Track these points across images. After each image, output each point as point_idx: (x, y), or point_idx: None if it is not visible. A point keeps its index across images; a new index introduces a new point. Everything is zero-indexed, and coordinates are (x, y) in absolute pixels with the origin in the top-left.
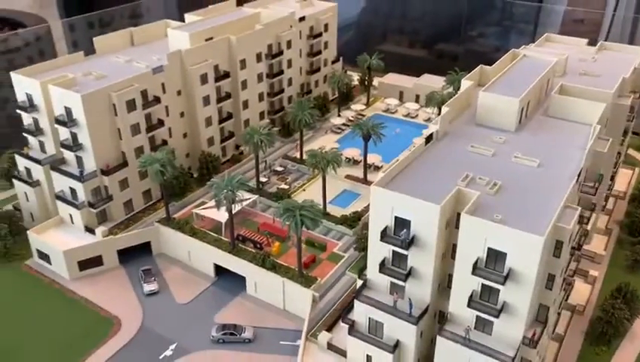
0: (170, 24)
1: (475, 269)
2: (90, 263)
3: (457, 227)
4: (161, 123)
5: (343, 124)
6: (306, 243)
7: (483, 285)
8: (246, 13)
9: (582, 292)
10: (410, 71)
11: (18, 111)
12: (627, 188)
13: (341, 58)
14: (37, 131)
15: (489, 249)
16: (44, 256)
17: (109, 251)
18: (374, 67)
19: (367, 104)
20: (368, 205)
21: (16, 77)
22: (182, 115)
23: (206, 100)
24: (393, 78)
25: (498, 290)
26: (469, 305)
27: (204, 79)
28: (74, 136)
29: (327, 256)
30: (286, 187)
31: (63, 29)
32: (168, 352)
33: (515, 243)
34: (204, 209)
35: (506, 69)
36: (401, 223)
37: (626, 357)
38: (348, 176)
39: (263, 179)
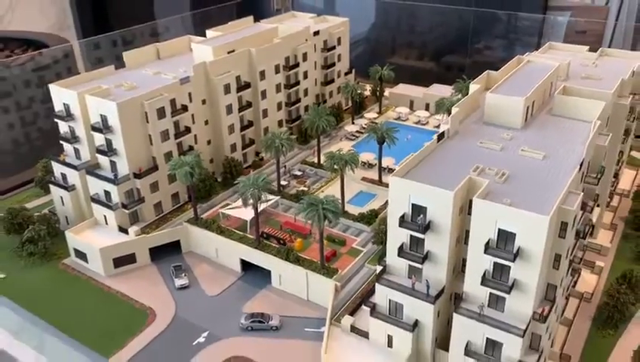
0: (193, 39)
1: (487, 249)
2: (124, 261)
3: (469, 213)
4: (187, 130)
5: (357, 131)
6: (327, 238)
7: (495, 264)
8: (264, 27)
9: (589, 282)
10: (419, 82)
11: (56, 120)
12: (631, 186)
13: (353, 70)
14: (73, 139)
15: (499, 230)
16: (80, 255)
17: (141, 249)
18: (385, 78)
19: (380, 113)
20: (384, 204)
21: (54, 88)
22: (206, 122)
23: (229, 109)
24: (403, 89)
25: (509, 268)
26: (482, 283)
27: (227, 89)
28: (109, 142)
29: (346, 250)
30: (305, 189)
31: (84, 47)
32: (201, 339)
33: (523, 223)
34: (230, 209)
35: (511, 73)
36: (418, 210)
37: (631, 340)
38: (364, 179)
39: (283, 183)
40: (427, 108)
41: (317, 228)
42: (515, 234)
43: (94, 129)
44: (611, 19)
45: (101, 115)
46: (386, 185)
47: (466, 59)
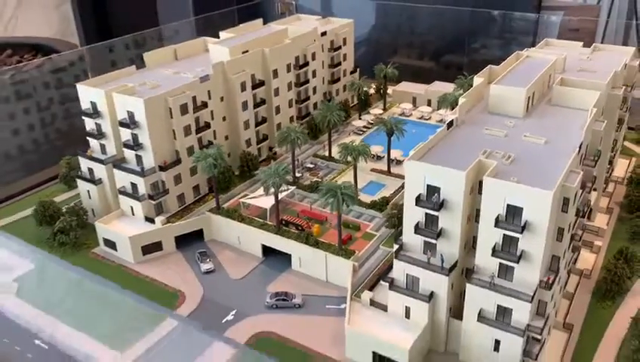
0: (208, 40)
1: (498, 223)
2: (151, 248)
3: (480, 193)
4: (207, 125)
5: (364, 126)
6: (342, 224)
7: (504, 236)
8: (274, 29)
9: (588, 260)
10: (421, 80)
11: (83, 117)
12: (625, 174)
13: (358, 69)
14: (99, 135)
15: (508, 205)
16: (110, 244)
17: (167, 237)
18: (390, 76)
19: (385, 109)
20: (394, 192)
21: (81, 88)
22: (224, 118)
23: (244, 105)
24: (406, 86)
25: (517, 240)
26: (493, 255)
27: (243, 87)
28: (135, 136)
29: (361, 235)
30: (318, 180)
31: (95, 52)
32: (230, 317)
33: (529, 198)
34: (249, 198)
35: (512, 67)
36: (433, 190)
37: (629, 309)
38: (373, 170)
39: (297, 175)
40: (429, 104)
41: (335, 212)
42: (522, 209)
43: (122, 124)
44: (603, 17)
45: (128, 112)
46: (395, 176)
47: (463, 58)
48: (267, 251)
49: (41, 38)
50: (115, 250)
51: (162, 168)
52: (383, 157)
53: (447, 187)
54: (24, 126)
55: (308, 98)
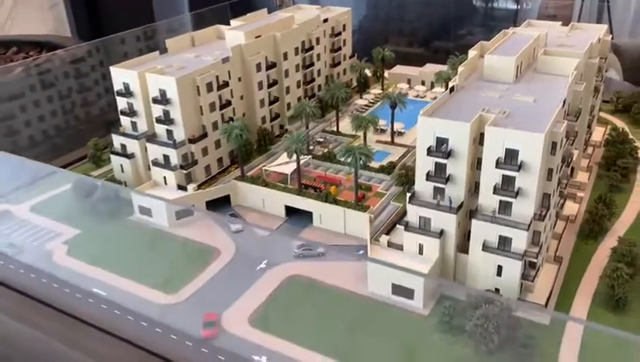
0: (220, 29)
1: (498, 164)
2: (184, 213)
3: (481, 143)
4: (228, 103)
5: (366, 105)
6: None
7: (503, 176)
8: (282, 16)
9: (573, 208)
10: (412, 64)
11: (117, 97)
12: (602, 138)
13: (356, 54)
14: (131, 113)
15: (506, 149)
16: (145, 211)
17: (199, 202)
18: (387, 58)
19: (383, 89)
20: (399, 158)
21: (115, 70)
22: (241, 97)
23: (260, 85)
24: (401, 69)
25: (514, 178)
26: (494, 193)
27: (258, 68)
28: (166, 113)
29: (373, 194)
30: (329, 150)
31: (103, 44)
32: (262, 266)
33: (524, 141)
34: (271, 166)
35: (501, 41)
36: (441, 141)
37: (609, 244)
38: (378, 141)
39: (309, 147)
40: (423, 84)
41: (351, 180)
42: (518, 151)
43: (155, 101)
44: (577, 3)
45: (160, 90)
46: (399, 145)
47: (450, 44)
48: (289, 211)
49: (43, 35)
50: (151, 216)
51: (191, 141)
52: (386, 130)
53: (454, 138)
54: (48, 113)
55: (313, 80)
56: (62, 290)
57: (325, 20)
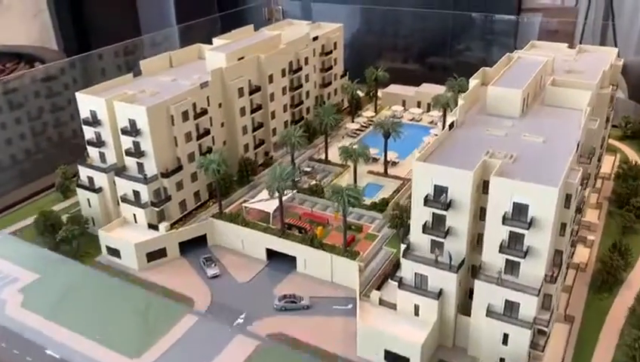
0: (202, 48)
1: (505, 220)
2: (155, 255)
3: (484, 192)
4: (207, 132)
5: (357, 129)
6: (343, 225)
7: (510, 233)
8: (268, 35)
9: (583, 254)
10: (407, 82)
11: (84, 126)
12: (611, 170)
13: (347, 72)
14: (99, 143)
15: (514, 203)
16: (113, 252)
17: (171, 243)
18: (380, 79)
19: (376, 111)
20: (393, 193)
21: (80, 96)
22: (222, 124)
23: (242, 111)
24: (395, 89)
25: (523, 236)
26: (500, 251)
27: (240, 92)
28: (136, 144)
29: (364, 236)
30: (317, 182)
31: (79, 60)
32: (240, 320)
33: (535, 195)
34: (251, 203)
35: (506, 68)
36: (440, 190)
37: (625, 300)
38: (370, 172)
39: (295, 179)
40: (419, 105)
41: (339, 214)
42: (528, 206)
43: (124, 132)
44: (581, 18)
45: (130, 119)
46: (392, 177)
47: (448, 60)
48: (271, 254)
49: (22, 46)
50: (119, 257)
51: (164, 175)
52: (379, 159)
53: (454, 187)
54: (16, 135)
55: (301, 102)
56: (10, 352)
57: (315, 38)
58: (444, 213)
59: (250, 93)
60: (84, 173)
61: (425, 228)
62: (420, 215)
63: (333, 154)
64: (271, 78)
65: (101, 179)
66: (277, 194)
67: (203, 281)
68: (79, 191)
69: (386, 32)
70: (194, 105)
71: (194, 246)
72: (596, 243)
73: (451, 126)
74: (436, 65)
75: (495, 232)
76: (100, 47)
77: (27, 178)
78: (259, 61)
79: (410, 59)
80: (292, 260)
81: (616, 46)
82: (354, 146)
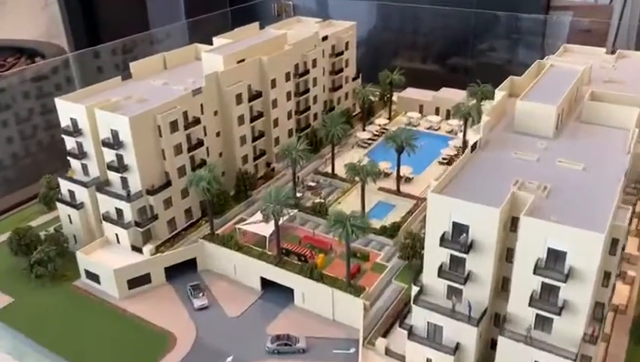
0: (199, 48)
1: (537, 269)
2: (139, 281)
3: (512, 230)
4: (200, 143)
5: (369, 139)
6: (347, 253)
7: (543, 284)
8: (273, 34)
9: (622, 293)
10: (425, 85)
11: (64, 136)
12: None
13: (360, 75)
14: (81, 155)
15: (549, 249)
16: (92, 276)
17: (156, 269)
18: (396, 82)
19: (390, 118)
20: (405, 215)
21: (60, 103)
22: (218, 134)
23: (241, 120)
24: (412, 93)
25: (558, 288)
26: (530, 305)
27: (239, 99)
28: (120, 157)
29: (370, 265)
30: (321, 201)
31: (78, 57)
32: None
33: (575, 241)
34: (246, 224)
35: (538, 79)
36: (459, 228)
37: None
38: (381, 188)
39: (297, 195)
40: (437, 112)
41: (344, 244)
42: (565, 253)
43: (105, 144)
44: (615, 18)
45: (112, 130)
46: (405, 195)
47: (470, 61)
48: (266, 283)
49: (25, 40)
50: (99, 283)
51: (150, 192)
52: (390, 174)
53: (477, 225)
54: (2, 139)
55: (308, 108)
56: None
57: (325, 38)
58: (463, 256)
59: (250, 100)
60: (65, 186)
61: (441, 272)
62: (435, 255)
63: (341, 167)
64: (274, 83)
65: (82, 194)
66: (272, 218)
67: (189, 314)
68: (60, 206)
69: (405, 30)
70: (185, 113)
71: (182, 271)
72: (637, 280)
73: (473, 147)
74: (457, 66)
75: (524, 281)
76: (109, 42)
77: (12, 186)
78: (260, 64)
79: (429, 59)
80: (289, 291)
81: None
82: (362, 162)
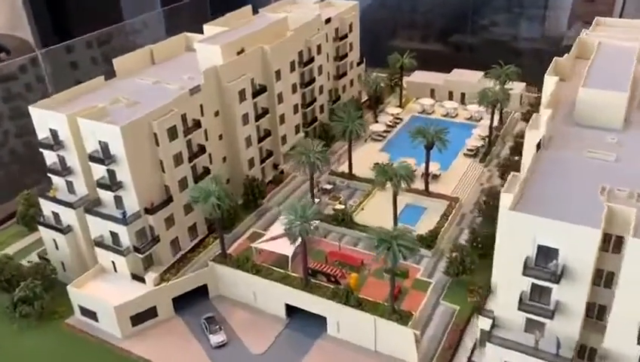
0: (190, 38)
1: None
2: (143, 316)
3: (606, 249)
4: (202, 149)
5: (384, 131)
6: (386, 271)
7: None
8: (271, 19)
9: None
10: (429, 67)
11: (43, 150)
12: None
13: (364, 59)
14: (64, 171)
15: None
16: (88, 313)
17: (163, 300)
18: (407, 66)
19: (401, 105)
20: (440, 220)
21: (36, 111)
22: (220, 137)
23: (245, 119)
24: (421, 76)
25: None
26: (639, 342)
27: (242, 96)
28: (111, 173)
29: (411, 283)
30: (342, 207)
31: (46, 55)
32: None
33: None
34: (263, 242)
35: (592, 60)
36: (547, 252)
37: None
38: (407, 189)
39: (315, 200)
40: (450, 96)
41: (375, 258)
42: None
43: (93, 159)
44: None
45: (100, 142)
46: (435, 196)
47: (474, 38)
48: (292, 309)
49: None
50: (96, 320)
51: (149, 211)
52: (416, 171)
53: (569, 249)
54: None
55: (314, 100)
56: None
57: (328, 20)
58: (552, 285)
59: (254, 95)
60: (47, 207)
61: (521, 304)
62: (515, 285)
63: (358, 166)
64: (278, 74)
65: (69, 216)
66: (299, 239)
67: (205, 352)
68: (42, 230)
69: (402, 8)
70: (183, 117)
71: (192, 300)
72: None
73: (538, 146)
74: (460, 44)
75: (632, 313)
76: (81, 36)
77: None
78: (263, 53)
79: (430, 38)
80: (319, 318)
81: None
82: (392, 163)
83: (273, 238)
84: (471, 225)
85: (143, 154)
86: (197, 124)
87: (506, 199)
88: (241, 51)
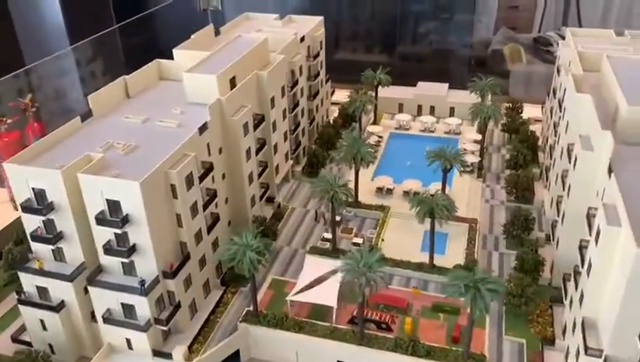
0: (162, 66)
1: None
2: None
3: None
4: (214, 194)
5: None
6: (433, 309)
7: None
8: (252, 41)
9: None
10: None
11: (23, 214)
12: None
13: (328, 76)
14: (54, 238)
15: None
16: None
17: None
18: (383, 82)
19: (375, 122)
20: (469, 245)
21: (13, 168)
22: (223, 176)
23: (248, 153)
24: (389, 91)
25: None
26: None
27: (246, 129)
28: (122, 237)
29: (465, 320)
30: (360, 241)
31: None
32: None
33: None
34: (298, 293)
35: (615, 76)
36: None
37: None
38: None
39: (326, 235)
40: (419, 110)
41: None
42: None
43: (101, 222)
44: None
45: (108, 201)
46: (453, 219)
47: (420, 48)
48: None
49: None
50: None
51: (167, 274)
52: (394, 189)
53: None
54: None
55: (298, 124)
56: None
57: (302, 39)
58: None
59: (255, 127)
60: (28, 282)
61: None
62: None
63: (364, 194)
64: (273, 101)
65: (62, 290)
66: (363, 295)
67: None
68: (25, 311)
69: (342, 18)
70: (197, 161)
71: None
72: None
73: (610, 171)
74: (409, 54)
75: None
76: None
77: None
78: (258, 80)
79: (374, 48)
80: None
81: (580, 26)
82: (430, 194)
83: (307, 287)
84: (496, 247)
85: (159, 209)
86: (210, 168)
87: (624, 231)
88: (233, 79)
